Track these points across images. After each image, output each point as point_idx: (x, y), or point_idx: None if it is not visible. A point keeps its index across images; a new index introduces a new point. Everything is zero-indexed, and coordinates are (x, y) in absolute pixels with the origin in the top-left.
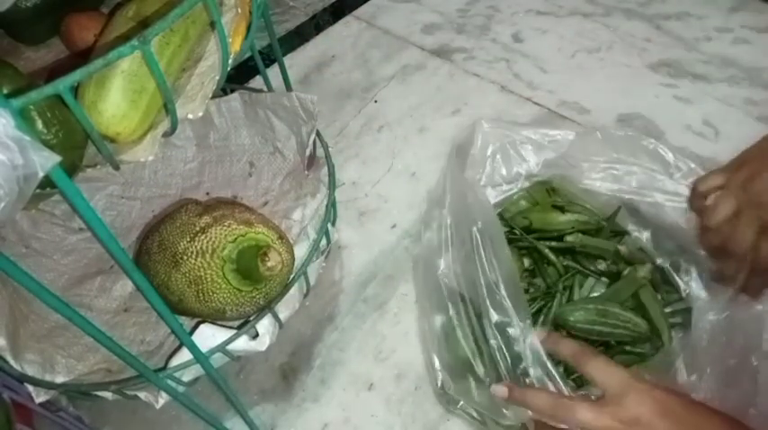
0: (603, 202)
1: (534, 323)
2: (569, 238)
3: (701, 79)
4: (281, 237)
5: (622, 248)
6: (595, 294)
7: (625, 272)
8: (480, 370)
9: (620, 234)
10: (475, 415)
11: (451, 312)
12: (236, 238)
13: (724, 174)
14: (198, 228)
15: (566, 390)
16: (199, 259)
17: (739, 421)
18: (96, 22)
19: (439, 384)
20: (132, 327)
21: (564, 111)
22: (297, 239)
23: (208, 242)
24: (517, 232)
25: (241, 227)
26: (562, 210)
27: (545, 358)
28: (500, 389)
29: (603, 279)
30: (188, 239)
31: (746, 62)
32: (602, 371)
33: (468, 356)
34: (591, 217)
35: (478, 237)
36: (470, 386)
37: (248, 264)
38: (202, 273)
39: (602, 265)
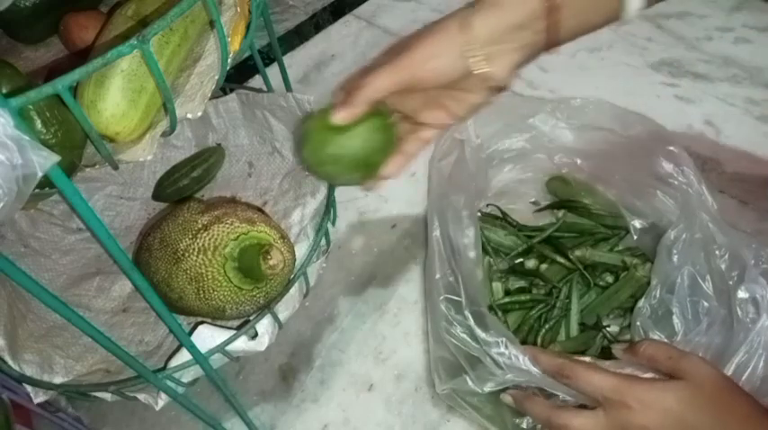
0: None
1: (537, 331)
2: (578, 253)
3: (702, 78)
4: (283, 236)
5: (628, 260)
6: None
7: (623, 275)
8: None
9: (620, 229)
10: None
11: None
12: (238, 236)
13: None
14: (200, 226)
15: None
16: (200, 256)
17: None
18: (95, 21)
19: (437, 388)
20: (131, 328)
21: None
22: (296, 239)
23: (210, 239)
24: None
25: (243, 225)
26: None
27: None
28: (506, 398)
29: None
30: (190, 236)
31: (748, 61)
32: (590, 380)
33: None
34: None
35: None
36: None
37: (250, 263)
38: (203, 271)
39: (609, 278)
